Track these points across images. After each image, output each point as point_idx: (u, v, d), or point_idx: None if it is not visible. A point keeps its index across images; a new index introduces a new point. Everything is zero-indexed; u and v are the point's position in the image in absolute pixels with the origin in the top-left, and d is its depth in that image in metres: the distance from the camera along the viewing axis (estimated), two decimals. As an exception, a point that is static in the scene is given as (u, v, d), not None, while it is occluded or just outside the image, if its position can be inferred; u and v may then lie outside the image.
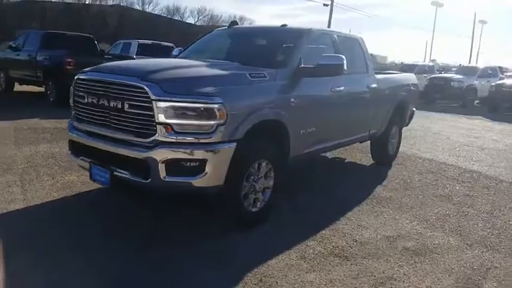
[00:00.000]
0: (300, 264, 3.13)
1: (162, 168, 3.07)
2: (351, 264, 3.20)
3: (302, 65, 4.04)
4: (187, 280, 2.81)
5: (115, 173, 3.27)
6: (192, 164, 3.11)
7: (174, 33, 58.24)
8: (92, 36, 11.64)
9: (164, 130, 3.06)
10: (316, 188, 5.01)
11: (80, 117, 3.60)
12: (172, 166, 3.08)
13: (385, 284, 2.94)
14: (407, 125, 7.06)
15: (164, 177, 3.09)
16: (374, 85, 5.36)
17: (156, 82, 3.08)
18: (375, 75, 5.50)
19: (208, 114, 3.09)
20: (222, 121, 3.13)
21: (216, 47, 4.89)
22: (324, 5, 32.58)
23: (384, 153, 6.26)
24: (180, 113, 3.06)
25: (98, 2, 55.93)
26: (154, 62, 3.96)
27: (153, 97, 3.03)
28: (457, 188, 5.42)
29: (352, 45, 5.27)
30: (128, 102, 3.16)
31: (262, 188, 3.70)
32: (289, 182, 5.19)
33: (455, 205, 4.75)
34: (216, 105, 3.09)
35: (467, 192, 5.30)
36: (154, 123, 3.07)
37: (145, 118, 3.10)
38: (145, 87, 3.05)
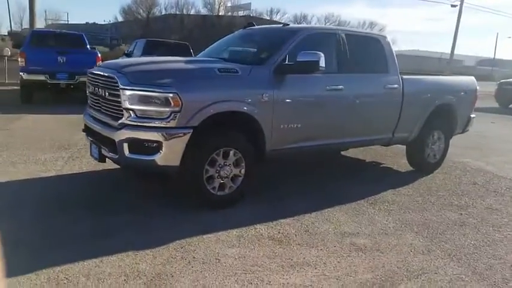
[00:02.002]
0: (231, 241, 3.41)
1: (125, 147, 3.65)
2: (279, 247, 3.35)
3: (285, 63, 4.24)
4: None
5: (101, 149, 3.96)
6: (149, 144, 3.62)
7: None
8: (187, 43, 12.99)
9: (128, 114, 3.65)
10: (320, 185, 5.09)
11: (89, 104, 4.40)
12: (133, 145, 3.64)
13: (295, 267, 3.06)
14: (463, 132, 6.55)
15: (127, 155, 3.66)
16: (395, 86, 5.21)
17: (124, 73, 3.69)
18: (400, 76, 5.31)
19: (164, 102, 3.58)
20: (177, 109, 3.59)
21: (224, 46, 5.30)
22: (452, 5, 30.24)
23: (421, 159, 5.95)
24: (141, 100, 3.60)
25: (229, 14, 60.22)
26: (136, 59, 4.60)
27: (121, 86, 3.64)
28: (485, 202, 4.95)
29: (369, 44, 5.20)
30: (107, 90, 3.84)
31: (229, 174, 4.01)
32: (298, 176, 5.41)
33: (460, 215, 4.42)
34: (170, 94, 3.56)
35: (494, 205, 4.82)
36: (121, 108, 3.67)
37: (116, 104, 3.73)
38: (115, 78, 3.68)
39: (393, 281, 2.96)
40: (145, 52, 12.07)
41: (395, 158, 6.75)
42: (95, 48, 11.94)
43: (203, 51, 5.38)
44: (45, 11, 58.71)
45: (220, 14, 63.02)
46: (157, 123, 3.61)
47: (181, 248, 3.22)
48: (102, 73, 3.94)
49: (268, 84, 4.12)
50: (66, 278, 2.66)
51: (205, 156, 3.84)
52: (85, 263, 2.86)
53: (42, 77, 9.76)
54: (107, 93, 3.87)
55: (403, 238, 3.71)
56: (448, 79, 6.38)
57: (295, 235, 3.61)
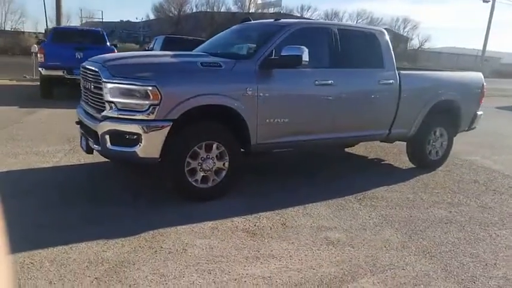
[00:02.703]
0: (204, 232, 3.47)
1: (107, 139, 3.77)
2: (251, 240, 3.39)
3: (271, 57, 4.25)
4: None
5: (88, 141, 4.10)
6: (129, 136, 3.73)
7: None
8: (204, 39, 13.11)
9: (110, 107, 3.76)
10: (311, 181, 5.07)
11: (81, 97, 4.55)
12: (114, 137, 3.76)
13: (259, 259, 3.09)
14: (468, 129, 6.38)
15: (109, 146, 3.78)
16: (390, 81, 5.13)
17: (107, 67, 3.81)
18: (397, 72, 5.22)
19: (143, 94, 3.67)
20: (156, 101, 3.67)
21: (219, 41, 5.35)
22: (484, 1, 29.17)
23: (422, 157, 5.84)
24: (121, 92, 3.71)
25: (259, 11, 60.11)
26: (123, 54, 4.68)
27: (103, 79, 3.76)
28: (480, 200, 4.83)
29: (364, 39, 5.13)
30: (92, 84, 3.97)
31: (212, 167, 4.08)
32: (290, 171, 5.42)
33: (449, 213, 4.33)
34: (149, 87, 3.65)
35: (489, 204, 4.70)
36: (104, 101, 3.79)
37: (100, 97, 3.85)
38: (98, 71, 3.80)
39: (356, 275, 2.94)
40: (164, 48, 12.29)
41: (400, 155, 6.63)
42: (116, 46, 12.24)
43: (200, 46, 5.44)
44: (80, 10, 60.41)
45: (250, 11, 63.04)
46: (137, 116, 3.71)
47: (152, 238, 3.30)
48: (89, 67, 4.07)
49: (252, 79, 4.14)
50: (31, 263, 2.79)
51: (187, 148, 3.91)
52: (54, 249, 2.98)
53: (59, 73, 10.09)
54: (92, 86, 4.00)
55: (380, 234, 3.67)
56: (450, 75, 6.21)
57: (271, 228, 3.64)
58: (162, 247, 3.17)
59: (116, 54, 4.62)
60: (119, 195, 4.18)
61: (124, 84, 3.69)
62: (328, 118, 4.73)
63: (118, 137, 3.75)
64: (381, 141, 5.75)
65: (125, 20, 69.55)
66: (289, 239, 3.45)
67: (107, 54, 4.45)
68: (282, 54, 4.15)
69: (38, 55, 10.32)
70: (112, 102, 3.74)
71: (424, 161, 5.88)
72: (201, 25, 52.27)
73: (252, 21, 5.45)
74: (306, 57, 4.08)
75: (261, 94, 4.18)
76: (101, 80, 3.78)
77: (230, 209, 3.98)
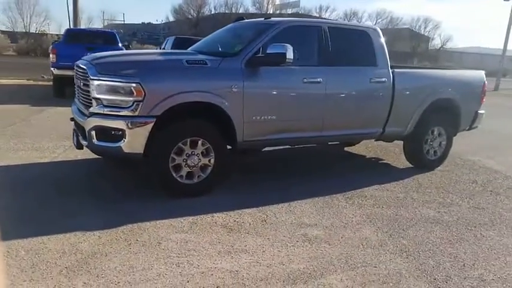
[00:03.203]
0: (182, 227, 3.52)
1: (93, 134, 3.87)
2: (227, 235, 3.42)
3: (258, 55, 4.28)
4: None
5: (79, 137, 4.21)
6: (114, 132, 3.81)
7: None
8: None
9: (96, 103, 3.86)
10: (303, 179, 5.08)
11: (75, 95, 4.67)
12: (100, 133, 3.85)
13: (231, 253, 3.12)
14: (470, 129, 6.27)
15: (95, 142, 3.88)
16: (383, 79, 5.08)
17: (94, 65, 3.91)
18: (391, 70, 5.17)
19: (127, 91, 3.75)
20: (139, 98, 3.75)
21: (213, 40, 5.37)
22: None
23: (419, 156, 5.76)
24: (107, 89, 3.80)
25: (278, 11, 60.07)
26: (113, 52, 4.77)
27: (90, 76, 3.86)
28: (473, 200, 4.77)
29: (355, 37, 5.10)
30: (82, 81, 4.07)
31: (198, 164, 4.13)
32: (283, 169, 5.43)
33: (438, 213, 4.28)
34: (133, 84, 3.73)
35: (482, 204, 4.62)
36: (91, 98, 3.89)
37: (88, 93, 3.95)
38: (86, 68, 3.90)
39: (325, 271, 2.94)
40: (174, 48, 12.49)
41: (400, 155, 6.53)
42: (129, 46, 12.47)
43: (194, 45, 5.51)
44: (103, 12, 61.62)
45: (269, 11, 63.09)
46: (121, 112, 3.79)
47: (130, 231, 3.37)
48: (80, 65, 4.18)
49: (238, 76, 4.17)
50: (7, 251, 2.89)
51: (171, 144, 3.97)
52: (32, 239, 3.08)
53: (70, 72, 10.24)
54: (81, 84, 4.10)
55: (360, 232, 3.65)
56: (448, 73, 6.11)
57: (250, 224, 3.66)
58: (137, 240, 3.23)
59: (106, 53, 4.72)
60: (107, 190, 4.27)
61: (109, 81, 3.78)
62: (317, 116, 4.72)
63: (103, 133, 3.84)
64: (376, 140, 5.68)
65: (146, 22, 70.67)
66: (266, 235, 3.47)
67: (98, 53, 4.55)
68: (267, 52, 4.17)
69: (51, 55, 10.60)
70: (98, 98, 3.83)
71: (421, 161, 5.80)
72: (220, 26, 52.09)
73: (245, 20, 5.48)
74: (290, 55, 4.09)
75: (247, 91, 4.21)
76: (88, 77, 3.88)
77: (215, 205, 4.01)
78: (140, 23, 72.01)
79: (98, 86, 3.80)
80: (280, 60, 4.12)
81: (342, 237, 3.51)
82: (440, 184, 5.24)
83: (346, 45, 4.96)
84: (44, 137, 6.23)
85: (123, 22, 66.83)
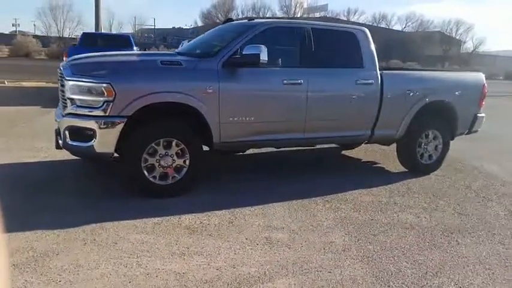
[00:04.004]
0: (145, 227, 3.51)
1: (67, 134, 3.93)
2: (187, 236, 3.40)
3: (235, 56, 4.26)
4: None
5: (58, 137, 4.29)
6: (85, 132, 3.86)
7: (378, 40, 58.22)
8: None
9: (71, 103, 3.92)
10: (286, 181, 5.00)
11: (60, 97, 4.77)
12: (73, 133, 3.91)
13: (184, 255, 3.09)
14: (469, 132, 6.04)
15: (69, 141, 3.94)
16: (370, 81, 4.96)
17: (69, 66, 3.99)
18: (379, 71, 5.04)
19: (98, 91, 3.80)
20: (110, 98, 3.79)
21: (200, 41, 5.37)
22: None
23: (412, 160, 5.59)
24: (79, 89, 3.86)
25: (305, 15, 60.04)
26: (92, 54, 4.81)
27: (65, 77, 3.93)
28: (460, 206, 4.58)
29: (341, 38, 5.00)
30: (61, 82, 4.15)
31: (172, 164, 4.13)
32: (274, 170, 5.38)
33: (417, 218, 4.12)
34: (104, 84, 3.77)
35: (468, 210, 4.43)
36: (66, 98, 3.96)
37: (64, 94, 4.02)
38: (62, 69, 3.98)
39: (275, 275, 2.87)
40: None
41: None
42: (145, 49, 12.71)
43: (182, 46, 5.53)
44: (134, 18, 63.09)
45: (296, 15, 63.14)
46: (93, 112, 3.84)
47: (91, 230, 3.39)
48: (59, 66, 4.27)
49: (214, 77, 4.16)
50: (-38, 247, 2.95)
51: (144, 145, 3.99)
52: (-9, 236, 3.13)
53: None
54: (60, 85, 4.18)
55: (327, 236, 3.56)
56: (443, 75, 5.90)
57: (215, 226, 3.63)
58: (94, 239, 3.25)
59: (85, 54, 4.79)
60: (85, 189, 4.33)
61: (81, 82, 3.84)
62: (299, 118, 4.64)
63: (76, 133, 3.90)
64: (368, 143, 5.54)
65: (177, 27, 71.84)
66: (228, 237, 3.43)
67: (78, 55, 4.63)
68: (243, 53, 4.14)
69: (64, 58, 10.88)
70: (72, 99, 3.90)
71: (415, 165, 5.62)
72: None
73: (233, 22, 5.46)
74: (264, 56, 4.05)
75: (223, 92, 4.19)
76: (64, 78, 3.95)
77: (186, 206, 4.00)
78: (171, 27, 73.23)
79: (72, 86, 3.87)
80: (254, 61, 4.08)
81: (305, 241, 3.43)
82: (431, 189, 5.05)
83: (330, 46, 4.87)
84: (41, 138, 6.39)
85: (153, 27, 68.17)
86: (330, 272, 2.96)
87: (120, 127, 3.85)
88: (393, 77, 5.19)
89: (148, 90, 3.88)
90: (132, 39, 12.31)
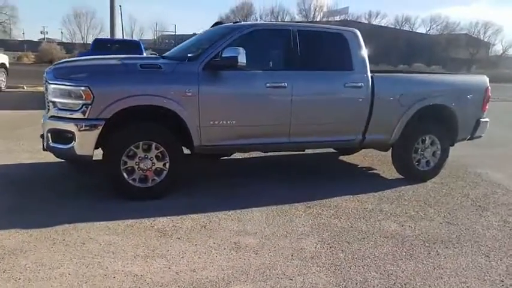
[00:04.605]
0: (116, 229, 3.53)
1: (49, 136, 4.01)
2: (156, 239, 3.40)
3: (215, 59, 4.25)
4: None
5: (43, 139, 4.37)
6: (66, 134, 3.93)
7: (401, 44, 57.49)
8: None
9: (53, 106, 3.99)
10: (274, 186, 4.95)
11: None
12: (54, 135, 3.98)
13: (147, 258, 3.08)
14: (471, 138, 5.84)
15: (51, 144, 4.01)
16: (359, 84, 4.85)
17: (52, 70, 4.06)
18: (370, 74, 4.93)
19: (77, 95, 3.86)
20: (88, 101, 3.84)
21: (188, 44, 5.35)
22: None
23: (407, 166, 5.43)
24: (60, 93, 3.93)
25: (325, 19, 59.72)
26: (75, 58, 4.89)
27: (48, 81, 4.01)
28: (451, 215, 4.42)
29: (330, 40, 4.92)
30: (45, 86, 4.23)
31: (151, 167, 4.14)
32: (265, 174, 5.34)
33: (401, 227, 3.99)
34: (82, 88, 3.83)
35: (459, 219, 4.27)
36: (49, 101, 4.03)
37: (47, 97, 4.10)
38: (45, 73, 4.06)
39: (233, 281, 2.83)
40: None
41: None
42: (156, 54, 12.88)
43: (170, 50, 5.56)
44: (156, 24, 64.22)
45: (316, 19, 62.91)
46: (73, 115, 3.90)
47: (63, 230, 3.43)
48: (44, 71, 4.35)
49: (193, 80, 4.16)
50: None
51: (122, 147, 4.01)
52: (-37, 234, 3.22)
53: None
54: (45, 88, 4.27)
55: (299, 242, 3.48)
56: (441, 78, 5.73)
57: (187, 229, 3.61)
58: (64, 240, 3.28)
59: (69, 59, 4.87)
60: (66, 190, 4.39)
61: (61, 85, 3.90)
62: (283, 122, 4.58)
63: (57, 135, 3.96)
64: (361, 148, 5.42)
65: (197, 32, 72.69)
66: (197, 241, 3.40)
67: (63, 60, 4.71)
68: (222, 56, 4.13)
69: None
70: (54, 102, 3.97)
71: (411, 171, 5.46)
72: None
73: (222, 25, 5.45)
74: (242, 58, 4.02)
75: (203, 96, 4.18)
76: (46, 81, 4.03)
77: (164, 208, 4.00)
78: (191, 33, 74.25)
79: (53, 89, 3.94)
80: (232, 64, 4.06)
81: (275, 247, 3.36)
82: (424, 197, 4.89)
83: (318, 48, 4.81)
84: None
85: (174, 33, 69.22)
86: (291, 280, 2.89)
87: (98, 130, 3.89)
88: (385, 80, 5.06)
89: (126, 93, 3.91)
90: (142, 44, 12.51)
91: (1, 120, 8.27)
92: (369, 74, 4.92)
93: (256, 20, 61.54)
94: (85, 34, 55.33)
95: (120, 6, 27.72)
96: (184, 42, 5.53)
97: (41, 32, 70.36)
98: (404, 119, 5.14)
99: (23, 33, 66.37)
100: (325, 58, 4.86)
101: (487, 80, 5.71)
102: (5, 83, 12.75)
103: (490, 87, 5.71)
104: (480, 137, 5.88)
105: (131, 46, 12.10)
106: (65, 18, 68.32)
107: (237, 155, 5.83)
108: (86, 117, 3.86)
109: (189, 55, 4.41)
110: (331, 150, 6.63)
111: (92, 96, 3.81)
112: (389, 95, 5.04)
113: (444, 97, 5.32)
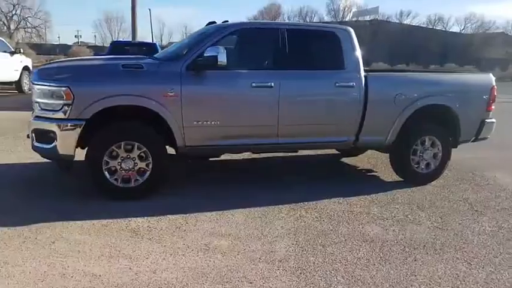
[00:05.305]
0: (90, 229, 3.54)
1: (33, 136, 4.09)
2: (126, 239, 3.40)
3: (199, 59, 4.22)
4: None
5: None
6: (48, 134, 3.99)
7: (433, 44, 55.93)
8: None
9: (37, 107, 4.07)
10: (263, 188, 4.88)
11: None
12: (37, 135, 4.06)
13: (112, 258, 3.08)
14: (476, 140, 5.58)
15: (35, 143, 4.09)
16: (351, 84, 4.72)
17: (38, 71, 4.15)
18: (362, 74, 4.79)
19: (58, 95, 3.92)
20: (69, 101, 3.89)
21: (180, 44, 5.34)
22: None
23: (406, 168, 5.24)
24: (43, 93, 4.00)
25: (354, 19, 58.90)
26: (64, 59, 4.95)
27: (33, 81, 4.10)
28: (442, 219, 4.23)
29: (321, 39, 4.82)
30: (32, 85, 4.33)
31: (134, 167, 4.16)
32: (259, 175, 5.31)
33: (384, 230, 3.84)
34: (63, 88, 3.89)
35: (449, 224, 4.08)
36: (34, 102, 4.12)
37: (33, 98, 4.19)
38: (32, 75, 4.15)
39: (191, 283, 2.79)
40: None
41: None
42: None
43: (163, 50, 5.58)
44: (185, 27, 65.15)
45: (345, 19, 62.19)
46: (54, 115, 3.96)
47: (36, 229, 3.48)
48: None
49: (176, 80, 4.14)
50: None
51: (104, 147, 4.04)
52: None
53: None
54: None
55: (272, 245, 3.41)
56: (441, 77, 5.49)
57: (161, 230, 3.60)
58: (36, 238, 3.33)
59: (58, 60, 4.96)
60: (52, 190, 4.47)
61: (44, 86, 3.98)
62: (270, 122, 4.50)
63: (40, 135, 4.04)
64: (355, 150, 5.27)
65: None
66: (167, 242, 3.38)
67: (53, 61, 4.80)
68: (204, 55, 4.10)
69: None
70: (38, 102, 4.05)
71: (409, 174, 5.26)
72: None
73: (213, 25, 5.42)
74: (221, 58, 3.98)
75: (186, 95, 4.16)
76: (32, 82, 4.12)
77: (143, 209, 3.99)
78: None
79: (37, 90, 4.02)
80: (212, 63, 4.02)
81: (245, 250, 3.30)
82: (419, 200, 4.70)
83: (307, 47, 4.71)
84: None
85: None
86: (251, 283, 2.82)
87: (78, 129, 3.93)
88: (380, 79, 4.91)
89: (106, 94, 3.94)
90: (158, 46, 12.68)
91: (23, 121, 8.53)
92: (362, 74, 4.77)
93: (284, 21, 61.50)
94: (116, 38, 56.88)
95: (150, 9, 28.18)
96: (176, 43, 5.54)
97: (75, 36, 72.72)
98: (400, 119, 4.96)
99: (59, 37, 68.81)
100: (316, 57, 4.75)
101: (493, 79, 5.44)
102: (28, 85, 13.18)
103: (496, 87, 5.43)
104: (486, 138, 5.61)
105: (148, 48, 12.26)
106: (96, 23, 70.43)
107: (230, 156, 5.79)
108: (66, 117, 3.90)
109: (173, 55, 4.40)
110: (333, 151, 6.49)
111: (72, 96, 3.86)
112: (384, 95, 4.88)
113: (444, 97, 5.11)
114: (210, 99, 4.30)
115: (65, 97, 3.87)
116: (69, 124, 3.91)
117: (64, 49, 45.23)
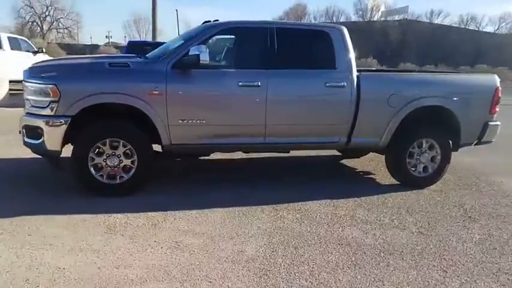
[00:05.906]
0: (68, 223, 3.63)
1: (24, 132, 4.22)
2: (99, 234, 3.45)
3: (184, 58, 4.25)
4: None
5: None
6: (36, 130, 4.11)
7: (465, 44, 54.27)
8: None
9: (27, 103, 4.20)
10: (250, 186, 4.86)
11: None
12: (27, 131, 4.18)
13: (78, 252, 3.14)
14: (479, 143, 5.38)
15: (25, 139, 4.22)
16: (342, 83, 4.64)
17: (28, 69, 4.27)
18: (355, 73, 4.70)
19: (45, 92, 4.02)
20: (55, 98, 3.99)
21: (170, 43, 5.36)
22: None
23: (401, 171, 5.11)
24: (32, 90, 4.12)
25: (383, 19, 57.89)
26: (56, 58, 5.05)
27: (24, 79, 4.23)
28: (430, 225, 4.09)
29: (312, 38, 4.74)
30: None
31: (119, 164, 4.22)
32: (254, 175, 5.33)
33: (364, 234, 3.75)
34: (50, 86, 3.99)
35: (436, 230, 3.95)
36: (25, 99, 4.25)
37: (24, 95, 4.33)
38: (23, 72, 4.29)
39: (151, 280, 2.81)
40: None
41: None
42: None
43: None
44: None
45: (373, 19, 61.25)
46: (42, 112, 4.07)
47: (18, 222, 3.58)
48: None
49: (161, 78, 4.18)
50: None
51: (89, 144, 4.12)
52: None
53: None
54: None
55: (243, 245, 3.39)
56: (439, 78, 5.31)
57: (136, 227, 3.64)
58: (13, 230, 3.43)
59: (53, 58, 5.08)
60: (43, 185, 4.59)
61: (33, 83, 4.09)
62: (258, 122, 4.47)
63: (29, 131, 4.15)
64: (348, 151, 5.17)
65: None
66: (139, 239, 3.41)
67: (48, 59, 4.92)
68: (188, 54, 4.12)
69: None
70: (28, 99, 4.17)
71: (405, 177, 5.12)
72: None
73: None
74: (204, 57, 3.99)
75: (171, 94, 4.19)
76: (23, 80, 4.25)
77: (125, 205, 4.04)
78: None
79: (27, 87, 4.14)
80: (195, 62, 4.03)
81: (214, 249, 3.29)
82: (410, 204, 4.57)
83: (297, 47, 4.65)
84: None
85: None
86: (210, 282, 2.82)
87: (64, 126, 4.02)
88: (373, 79, 4.80)
89: (90, 91, 4.01)
90: None
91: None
92: (355, 74, 4.68)
93: (311, 21, 61.05)
94: (144, 38, 58.06)
95: (177, 10, 28.69)
96: (168, 42, 5.59)
97: (106, 37, 74.57)
98: (395, 121, 4.84)
99: (91, 38, 70.74)
100: (305, 56, 4.69)
101: (497, 79, 5.23)
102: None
103: (500, 88, 5.21)
104: (490, 142, 5.40)
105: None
106: (125, 24, 72.16)
107: (230, 156, 5.79)
108: (53, 113, 4.00)
109: (162, 54, 4.43)
110: (335, 153, 6.40)
111: (58, 93, 3.95)
112: (377, 96, 4.76)
113: (442, 98, 4.94)
114: (196, 98, 4.31)
115: (51, 94, 3.96)
116: (55, 120, 4.00)
117: (93, 49, 46.48)
